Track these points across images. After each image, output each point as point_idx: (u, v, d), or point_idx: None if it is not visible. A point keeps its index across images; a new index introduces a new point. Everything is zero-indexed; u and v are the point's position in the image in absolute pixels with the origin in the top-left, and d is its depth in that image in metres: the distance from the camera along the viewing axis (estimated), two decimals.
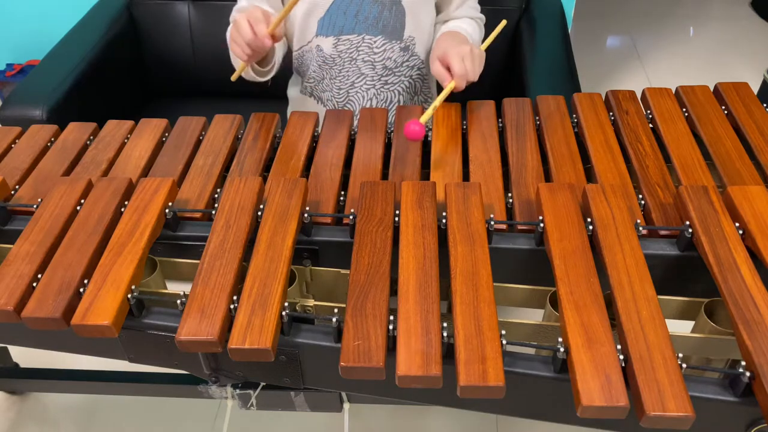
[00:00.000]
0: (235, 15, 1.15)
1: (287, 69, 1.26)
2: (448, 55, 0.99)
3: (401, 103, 1.23)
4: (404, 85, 1.21)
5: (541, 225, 0.76)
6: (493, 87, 1.72)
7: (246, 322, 0.65)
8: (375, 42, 1.14)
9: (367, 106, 1.20)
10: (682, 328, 0.73)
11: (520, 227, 0.80)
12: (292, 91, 1.30)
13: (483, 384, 0.58)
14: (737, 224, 0.73)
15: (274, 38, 0.95)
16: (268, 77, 1.11)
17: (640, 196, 0.83)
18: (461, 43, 1.04)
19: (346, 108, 1.21)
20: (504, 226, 0.79)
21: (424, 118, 0.93)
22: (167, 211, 0.81)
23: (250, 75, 1.09)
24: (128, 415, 1.48)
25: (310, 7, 1.12)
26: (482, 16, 1.24)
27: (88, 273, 0.72)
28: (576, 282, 0.67)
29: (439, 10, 1.20)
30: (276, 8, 1.13)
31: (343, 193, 0.88)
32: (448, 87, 0.98)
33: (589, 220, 0.75)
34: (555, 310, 0.73)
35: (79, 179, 0.85)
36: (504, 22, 1.13)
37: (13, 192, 0.89)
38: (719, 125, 0.94)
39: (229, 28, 1.15)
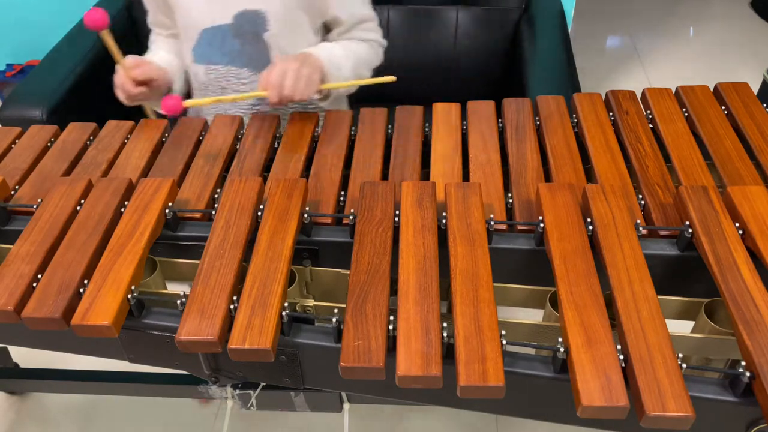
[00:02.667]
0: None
1: None
2: (273, 66, 0.97)
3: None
4: (280, 113, 1.15)
5: (541, 225, 0.76)
6: (493, 87, 1.72)
7: (246, 322, 0.65)
8: (241, 74, 1.12)
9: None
10: (682, 328, 0.73)
11: (520, 227, 0.80)
12: None
13: (483, 384, 0.58)
14: (737, 224, 0.73)
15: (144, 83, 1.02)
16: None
17: (640, 196, 0.83)
18: (298, 59, 0.98)
19: None
20: (504, 226, 0.79)
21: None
22: (167, 211, 0.81)
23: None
24: (128, 415, 1.49)
25: (184, 35, 1.13)
26: (381, 41, 1.18)
27: (88, 273, 0.72)
28: (576, 282, 0.67)
29: (328, 29, 1.17)
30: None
31: (343, 193, 0.88)
32: (257, 93, 0.98)
33: (589, 220, 0.75)
34: (555, 310, 0.73)
35: (79, 179, 0.85)
36: (393, 78, 1.03)
37: (13, 192, 0.89)
38: (719, 125, 0.94)
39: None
